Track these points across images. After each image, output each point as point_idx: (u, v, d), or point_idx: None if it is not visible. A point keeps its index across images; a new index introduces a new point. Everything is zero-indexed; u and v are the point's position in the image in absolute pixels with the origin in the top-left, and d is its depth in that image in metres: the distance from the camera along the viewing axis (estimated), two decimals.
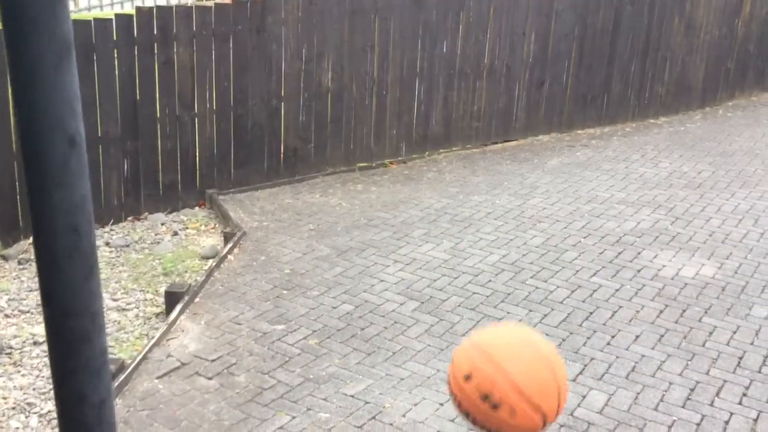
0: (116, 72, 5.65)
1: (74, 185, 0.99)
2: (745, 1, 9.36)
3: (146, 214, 5.99)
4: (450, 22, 7.15)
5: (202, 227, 5.88)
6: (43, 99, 0.89)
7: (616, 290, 4.78)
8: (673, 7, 8.61)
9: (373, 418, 3.44)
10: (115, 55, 5.63)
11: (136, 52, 5.69)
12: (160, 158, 5.99)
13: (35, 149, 0.90)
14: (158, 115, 5.90)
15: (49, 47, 0.88)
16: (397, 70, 6.97)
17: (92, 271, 1.03)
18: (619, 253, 5.31)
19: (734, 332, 4.33)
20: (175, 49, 5.83)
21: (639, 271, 5.06)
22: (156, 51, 5.77)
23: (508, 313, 4.46)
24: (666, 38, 8.67)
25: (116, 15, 5.62)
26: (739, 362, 4.03)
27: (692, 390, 3.76)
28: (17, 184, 5.27)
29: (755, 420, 3.55)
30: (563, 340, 4.18)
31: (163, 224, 5.89)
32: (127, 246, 5.49)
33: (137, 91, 5.76)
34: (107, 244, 5.51)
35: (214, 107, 6.13)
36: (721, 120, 9.04)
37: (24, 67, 0.87)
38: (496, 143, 7.81)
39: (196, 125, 6.09)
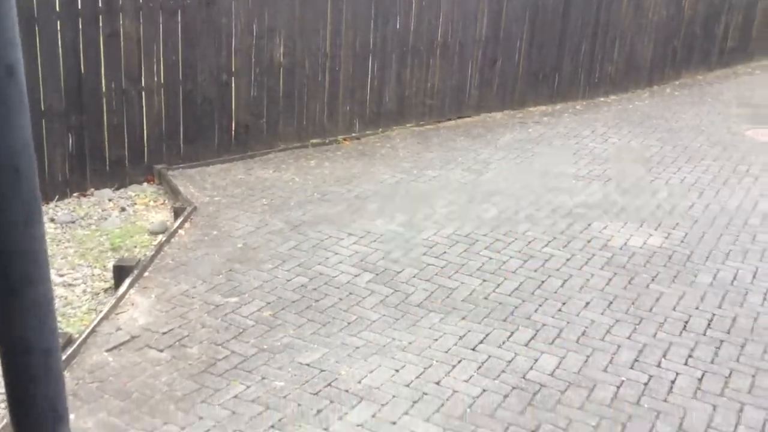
0: (59, 44, 5.47)
1: (13, 117, 0.94)
2: None
3: (92, 190, 5.84)
4: None
5: (151, 203, 5.75)
6: None
7: (567, 260, 4.86)
8: None
9: (329, 385, 3.43)
10: (59, 27, 5.45)
11: (80, 24, 5.51)
12: (106, 133, 5.83)
13: None
14: (104, 89, 5.74)
15: None
16: (349, 46, 6.92)
17: (34, 216, 0.99)
18: (570, 225, 5.40)
19: (680, 298, 4.44)
20: (120, 21, 5.67)
21: (589, 241, 5.15)
22: (101, 23, 5.60)
23: (462, 283, 4.49)
24: (615, 18, 8.80)
25: None
26: (685, 326, 4.14)
27: (640, 352, 3.86)
28: None
29: (700, 379, 3.65)
30: (515, 307, 4.23)
31: (110, 200, 5.75)
32: (73, 222, 5.34)
33: (82, 65, 5.58)
34: (52, 220, 5.35)
35: (162, 81, 5.99)
36: (668, 98, 9.24)
37: None
38: (450, 120, 7.83)
39: (144, 100, 5.94)
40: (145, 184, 6.07)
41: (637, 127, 7.97)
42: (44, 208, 5.51)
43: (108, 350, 3.60)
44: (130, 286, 4.18)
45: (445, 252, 4.88)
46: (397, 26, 7.17)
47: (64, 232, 5.19)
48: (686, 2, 9.59)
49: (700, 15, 9.88)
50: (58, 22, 5.42)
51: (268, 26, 6.37)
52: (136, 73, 5.85)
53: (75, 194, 5.79)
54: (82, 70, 5.60)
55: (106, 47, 5.66)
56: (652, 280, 4.64)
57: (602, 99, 9.02)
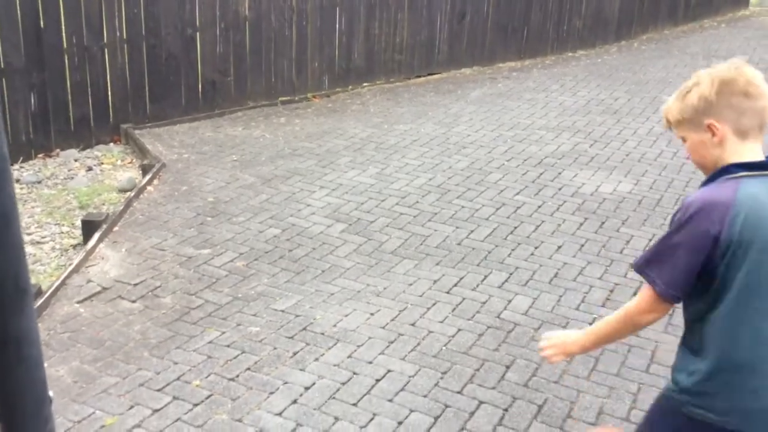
0: None
1: None
2: None
3: (57, 150, 5.71)
4: None
5: (119, 162, 5.65)
6: None
7: (539, 207, 4.89)
8: None
9: (304, 329, 3.42)
10: None
11: None
12: (69, 91, 5.69)
13: None
14: (65, 45, 5.58)
15: None
16: None
17: None
18: (541, 174, 5.42)
19: (650, 240, 4.50)
20: None
21: (560, 189, 5.18)
22: None
23: (436, 230, 4.50)
24: None
25: None
26: None
27: (611, 291, 3.91)
28: None
29: (671, 315, 3.72)
30: (489, 252, 4.26)
31: (76, 160, 5.63)
32: (39, 182, 5.23)
33: (41, 18, 5.42)
34: (17, 180, 5.22)
35: (125, 36, 5.84)
36: (636, 52, 9.28)
37: None
38: (420, 77, 7.78)
39: (107, 56, 5.80)
40: (111, 144, 5.95)
41: (606, 80, 8.00)
42: None
43: (79, 302, 3.55)
44: (100, 240, 4.12)
45: (417, 202, 4.88)
46: None
47: (30, 192, 5.08)
48: None
49: None
50: None
51: None
52: (97, 27, 5.69)
53: (40, 155, 5.66)
54: (42, 25, 5.43)
55: (65, 0, 5.50)
56: (623, 224, 4.70)
57: (571, 54, 9.03)
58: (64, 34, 5.54)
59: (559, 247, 4.38)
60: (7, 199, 0.99)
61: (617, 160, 5.75)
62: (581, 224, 4.67)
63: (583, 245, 4.40)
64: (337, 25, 7.04)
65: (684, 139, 1.86)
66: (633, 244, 4.44)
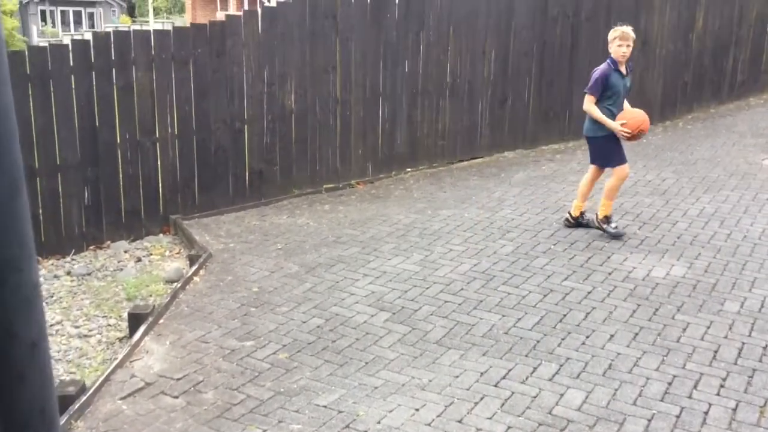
0: (74, 98, 5.56)
1: None
2: (698, 16, 9.60)
3: (108, 242, 5.84)
4: (410, 41, 7.20)
5: (167, 253, 5.74)
6: None
7: (589, 293, 4.75)
8: (627, 22, 8.77)
9: (347, 426, 3.32)
10: (72, 81, 5.54)
11: (93, 78, 5.61)
12: (121, 185, 5.87)
13: None
14: (118, 140, 5.80)
15: None
16: (359, 91, 6.97)
17: (18, 191, 0.94)
18: (589, 258, 5.30)
19: (708, 327, 4.31)
20: (133, 74, 5.76)
21: (610, 273, 5.04)
22: (114, 76, 5.69)
23: (481, 318, 4.39)
24: None
25: (72, 40, 5.55)
26: (715, 355, 4.00)
27: (670, 384, 3.72)
28: None
29: (734, 409, 3.50)
30: (537, 341, 4.12)
31: (126, 251, 5.75)
32: (89, 274, 5.33)
33: (96, 117, 5.66)
34: (68, 273, 5.34)
35: (176, 132, 6.04)
36: (682, 132, 9.19)
37: None
38: (462, 161, 7.82)
39: (158, 150, 5.99)
40: (161, 234, 6.07)
41: (652, 160, 7.90)
42: (61, 261, 5.51)
43: (122, 398, 3.53)
44: (145, 333, 4.13)
45: (462, 289, 4.79)
46: (406, 69, 7.23)
47: (80, 284, 5.17)
48: (693, 35, 9.62)
49: (708, 48, 9.89)
50: (72, 76, 5.51)
51: (278, 73, 6.45)
52: (149, 124, 5.91)
53: (91, 247, 5.79)
54: (97, 123, 5.67)
55: (119, 99, 5.75)
56: (678, 310, 4.52)
57: None
58: (117, 132, 5.76)
59: (612, 335, 4.21)
60: (36, 325, 0.97)
61: (668, 242, 5.60)
62: (634, 311, 4.50)
63: (637, 334, 4.23)
64: (380, 114, 7.18)
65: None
66: (690, 332, 4.25)
